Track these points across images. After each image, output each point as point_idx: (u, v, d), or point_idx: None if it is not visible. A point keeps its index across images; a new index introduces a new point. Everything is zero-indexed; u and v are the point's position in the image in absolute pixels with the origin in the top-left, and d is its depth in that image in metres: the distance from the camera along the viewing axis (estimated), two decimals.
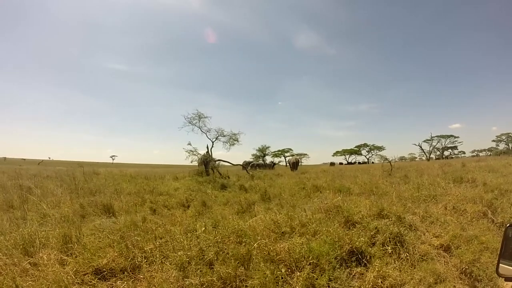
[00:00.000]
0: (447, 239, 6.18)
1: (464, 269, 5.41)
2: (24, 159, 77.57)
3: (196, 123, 26.39)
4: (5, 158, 73.88)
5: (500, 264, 2.13)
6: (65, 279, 3.93)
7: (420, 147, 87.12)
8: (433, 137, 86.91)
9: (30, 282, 3.90)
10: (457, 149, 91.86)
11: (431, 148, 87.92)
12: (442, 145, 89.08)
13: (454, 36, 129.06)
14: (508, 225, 2.20)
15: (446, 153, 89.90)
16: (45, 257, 4.54)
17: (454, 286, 4.99)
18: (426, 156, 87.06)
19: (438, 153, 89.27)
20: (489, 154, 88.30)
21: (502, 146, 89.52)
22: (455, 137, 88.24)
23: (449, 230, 6.62)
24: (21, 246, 4.85)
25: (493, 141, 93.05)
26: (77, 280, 4.10)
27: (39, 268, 4.24)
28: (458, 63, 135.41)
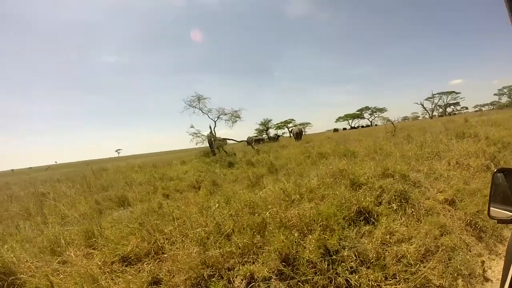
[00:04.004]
0: (451, 194, 6.39)
1: (469, 221, 5.64)
2: (31, 167, 77.87)
3: (196, 105, 26.51)
4: (12, 170, 74.14)
5: (491, 208, 2.31)
6: (95, 270, 4.14)
7: (422, 105, 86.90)
8: (434, 94, 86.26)
9: (63, 277, 4.11)
10: (460, 105, 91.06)
11: (433, 106, 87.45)
12: (444, 102, 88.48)
13: None
14: (495, 170, 2.35)
15: (448, 109, 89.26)
16: (72, 254, 4.74)
17: (460, 237, 5.22)
18: (429, 114, 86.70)
19: (440, 110, 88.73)
20: (492, 108, 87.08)
21: (504, 99, 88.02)
22: (457, 93, 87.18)
23: (453, 184, 6.84)
24: (48, 248, 5.02)
25: (495, 94, 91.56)
26: (106, 269, 4.33)
27: (68, 265, 4.45)
28: (455, 18, 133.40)
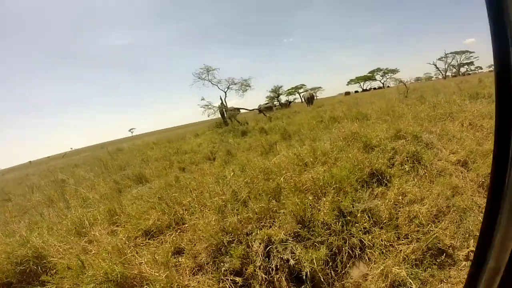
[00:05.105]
0: (464, 155, 6.33)
1: (481, 182, 5.61)
2: (49, 157, 78.90)
3: (205, 77, 26.68)
4: (30, 161, 75.00)
5: None
6: (120, 246, 4.31)
7: (435, 65, 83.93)
8: (447, 54, 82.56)
9: (92, 255, 4.27)
10: (474, 65, 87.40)
11: (447, 65, 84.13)
12: (457, 62, 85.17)
13: None
14: None
15: (462, 69, 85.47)
16: (97, 234, 4.95)
17: (472, 198, 5.24)
18: (442, 74, 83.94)
19: (454, 70, 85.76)
20: None
21: None
22: (470, 52, 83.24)
23: (466, 146, 6.74)
24: (73, 231, 5.23)
25: None
26: (131, 244, 4.55)
27: (95, 244, 4.66)
28: None
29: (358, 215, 4.35)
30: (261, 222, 4.37)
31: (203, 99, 26.28)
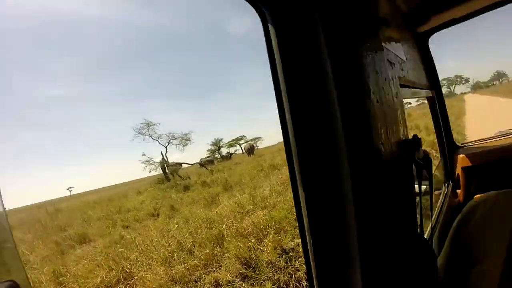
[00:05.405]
0: None
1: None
2: None
3: (145, 132, 26.67)
4: None
5: None
6: None
7: None
8: None
9: None
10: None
11: None
12: None
13: None
14: None
15: None
16: None
17: None
18: None
19: None
20: None
21: None
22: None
23: None
24: None
25: None
26: None
27: None
28: None
29: (300, 250, 4.66)
30: (208, 268, 4.57)
31: (144, 154, 26.26)
